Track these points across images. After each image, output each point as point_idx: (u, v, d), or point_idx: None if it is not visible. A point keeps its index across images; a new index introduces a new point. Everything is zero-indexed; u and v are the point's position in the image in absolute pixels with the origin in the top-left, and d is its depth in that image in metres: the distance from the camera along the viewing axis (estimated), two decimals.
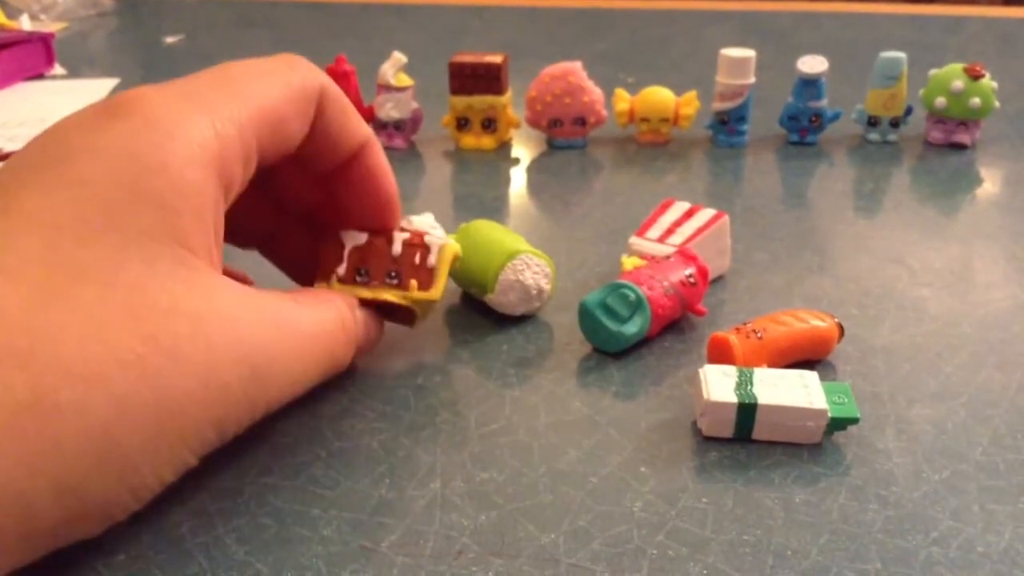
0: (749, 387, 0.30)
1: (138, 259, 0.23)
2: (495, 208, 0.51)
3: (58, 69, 0.80)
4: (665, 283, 0.36)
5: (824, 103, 0.60)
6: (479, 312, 0.39)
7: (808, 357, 0.35)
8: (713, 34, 0.96)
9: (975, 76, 0.58)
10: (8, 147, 0.59)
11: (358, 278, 0.32)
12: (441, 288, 0.33)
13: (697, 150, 0.60)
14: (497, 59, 0.58)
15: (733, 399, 0.30)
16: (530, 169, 0.57)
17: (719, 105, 0.60)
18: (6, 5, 0.98)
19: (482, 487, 0.28)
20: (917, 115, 0.61)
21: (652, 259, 0.38)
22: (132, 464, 0.23)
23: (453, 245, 0.33)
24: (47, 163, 0.24)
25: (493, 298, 0.37)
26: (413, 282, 0.32)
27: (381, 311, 0.34)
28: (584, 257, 0.44)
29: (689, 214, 0.42)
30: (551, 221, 0.49)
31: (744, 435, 0.30)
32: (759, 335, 0.33)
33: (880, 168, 0.57)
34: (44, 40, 0.79)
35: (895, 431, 0.31)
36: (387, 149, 0.60)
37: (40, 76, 0.79)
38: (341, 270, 0.32)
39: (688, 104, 0.60)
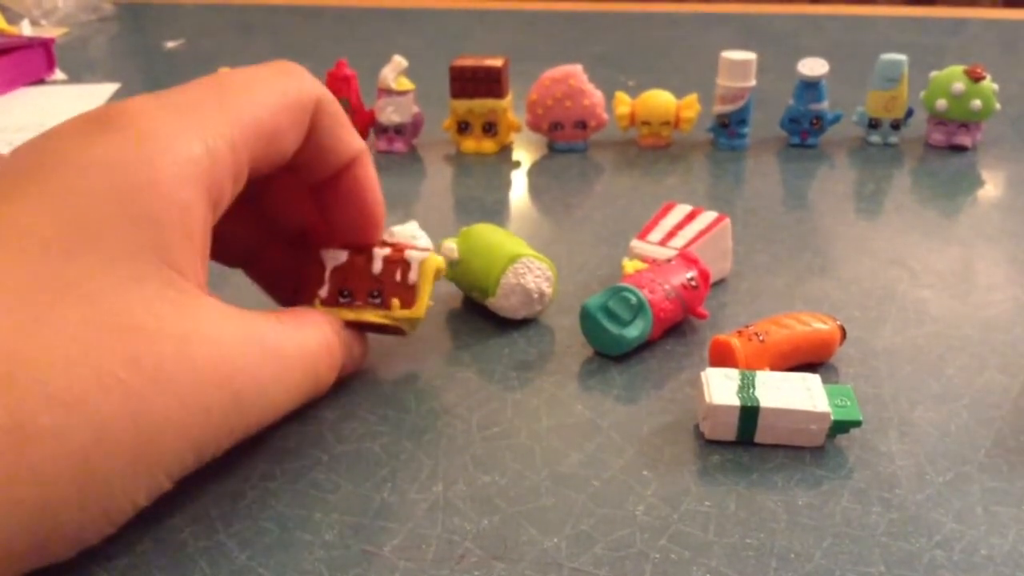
0: (751, 390, 0.30)
1: (123, 278, 0.23)
2: (496, 211, 0.51)
3: (59, 74, 0.80)
4: (667, 286, 0.36)
5: (825, 105, 0.60)
6: (481, 316, 0.39)
7: (810, 360, 0.35)
8: (714, 37, 0.96)
9: (976, 78, 0.58)
10: (7, 152, 0.59)
11: (341, 299, 0.32)
12: (424, 305, 0.32)
13: (698, 153, 0.60)
14: (498, 63, 0.58)
15: (735, 402, 0.30)
16: (531, 172, 0.57)
17: (720, 108, 0.60)
18: (7, 10, 0.98)
19: (484, 491, 0.28)
20: (918, 117, 0.61)
21: (653, 262, 0.38)
22: (109, 489, 0.22)
23: (434, 258, 0.33)
24: (34, 175, 0.24)
25: (495, 302, 0.37)
26: (395, 301, 0.32)
27: (368, 327, 0.33)
28: (585, 260, 0.44)
29: (690, 217, 0.42)
30: (552, 224, 0.49)
31: (746, 438, 0.30)
32: (761, 338, 0.33)
33: (881, 170, 0.57)
34: (45, 45, 0.79)
35: (898, 433, 0.31)
36: (388, 153, 0.60)
37: (41, 81, 0.79)
38: (323, 292, 0.32)
39: (689, 107, 0.60)
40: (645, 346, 0.36)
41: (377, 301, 0.32)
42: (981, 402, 0.33)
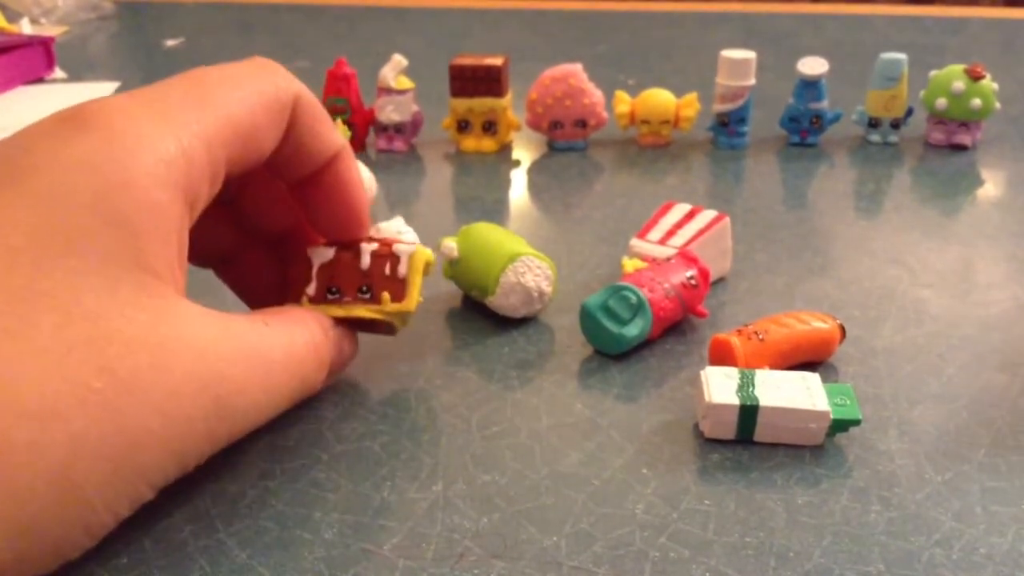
0: (751, 389, 0.30)
1: (98, 286, 0.22)
2: (496, 210, 0.51)
3: (58, 73, 0.80)
4: (666, 285, 0.36)
5: (825, 104, 0.60)
6: (480, 314, 0.39)
7: (810, 359, 0.35)
8: (713, 36, 0.96)
9: (976, 77, 0.58)
10: None
11: (329, 296, 0.31)
12: (415, 298, 0.32)
13: (698, 152, 0.60)
14: (497, 61, 0.58)
15: (735, 401, 0.30)
16: (531, 171, 0.57)
17: (720, 107, 0.60)
18: (6, 8, 0.98)
19: (484, 489, 0.28)
20: (918, 116, 0.61)
21: (653, 261, 0.38)
22: (88, 503, 0.22)
23: (423, 251, 0.32)
24: (5, 178, 0.23)
25: (494, 300, 0.37)
26: (385, 295, 0.31)
27: (358, 324, 0.33)
28: (585, 259, 0.44)
29: (690, 216, 0.42)
30: (552, 223, 0.49)
31: (746, 437, 0.30)
32: (761, 337, 0.33)
33: (881, 169, 0.57)
34: (44, 44, 0.79)
35: (897, 432, 0.31)
36: (387, 152, 0.60)
37: (40, 80, 0.79)
38: (311, 290, 0.31)
39: (689, 106, 0.60)
40: (645, 345, 0.36)
41: (367, 296, 0.32)
42: (980, 401, 0.33)
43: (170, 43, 0.94)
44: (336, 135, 0.30)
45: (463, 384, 0.34)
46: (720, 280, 0.42)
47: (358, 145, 0.60)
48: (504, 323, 0.38)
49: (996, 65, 0.66)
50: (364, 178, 0.40)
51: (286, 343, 0.28)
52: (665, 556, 0.26)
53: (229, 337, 0.25)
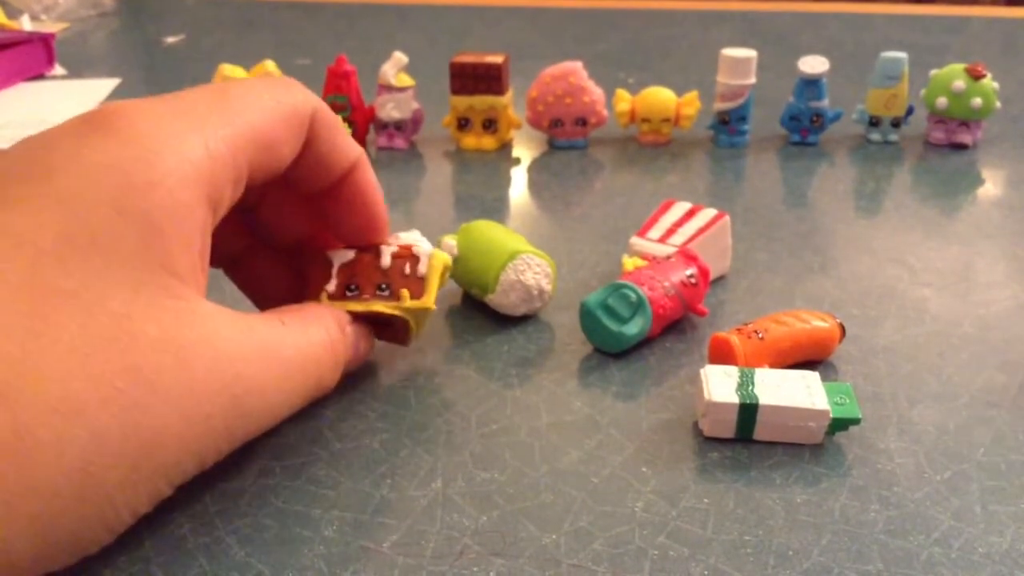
0: (750, 387, 0.30)
1: (122, 286, 0.23)
2: (496, 208, 0.51)
3: (59, 69, 0.80)
4: (666, 283, 0.36)
5: (825, 103, 0.60)
6: (480, 312, 0.39)
7: (810, 357, 0.35)
8: (714, 34, 0.96)
9: (976, 76, 0.58)
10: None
11: (348, 293, 0.32)
12: (433, 296, 0.32)
13: (698, 150, 0.60)
14: (498, 59, 0.58)
15: (735, 399, 0.30)
16: (531, 169, 0.57)
17: (720, 105, 0.60)
18: (7, 5, 0.98)
19: (483, 487, 0.28)
20: (918, 115, 0.61)
21: (653, 259, 0.38)
22: (109, 499, 0.22)
23: (443, 254, 0.33)
24: (30, 178, 0.23)
25: (494, 298, 0.37)
26: (405, 291, 0.32)
27: (375, 329, 0.33)
28: (585, 257, 0.44)
29: (690, 214, 0.42)
30: (552, 221, 0.49)
31: (745, 435, 0.30)
32: (760, 335, 0.33)
33: (881, 168, 0.57)
34: (45, 40, 0.79)
35: (897, 431, 0.31)
36: (388, 149, 0.60)
37: (41, 76, 0.79)
38: (331, 287, 0.32)
39: (689, 104, 0.60)
40: (644, 343, 0.36)
41: (386, 293, 0.32)
42: (980, 400, 0.33)
43: (170, 40, 0.94)
44: (353, 145, 0.31)
45: (463, 382, 0.34)
46: (720, 278, 0.42)
47: (358, 142, 0.60)
48: (504, 321, 0.38)
49: (997, 64, 0.66)
50: None
51: (303, 342, 0.28)
52: (664, 554, 0.26)
53: (248, 337, 0.26)
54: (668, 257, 0.38)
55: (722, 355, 0.33)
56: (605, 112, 0.60)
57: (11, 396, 0.20)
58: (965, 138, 0.60)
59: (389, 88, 0.59)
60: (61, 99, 0.72)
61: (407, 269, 0.32)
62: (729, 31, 0.98)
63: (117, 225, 0.23)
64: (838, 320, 0.35)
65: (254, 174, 0.27)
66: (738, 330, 0.34)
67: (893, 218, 0.49)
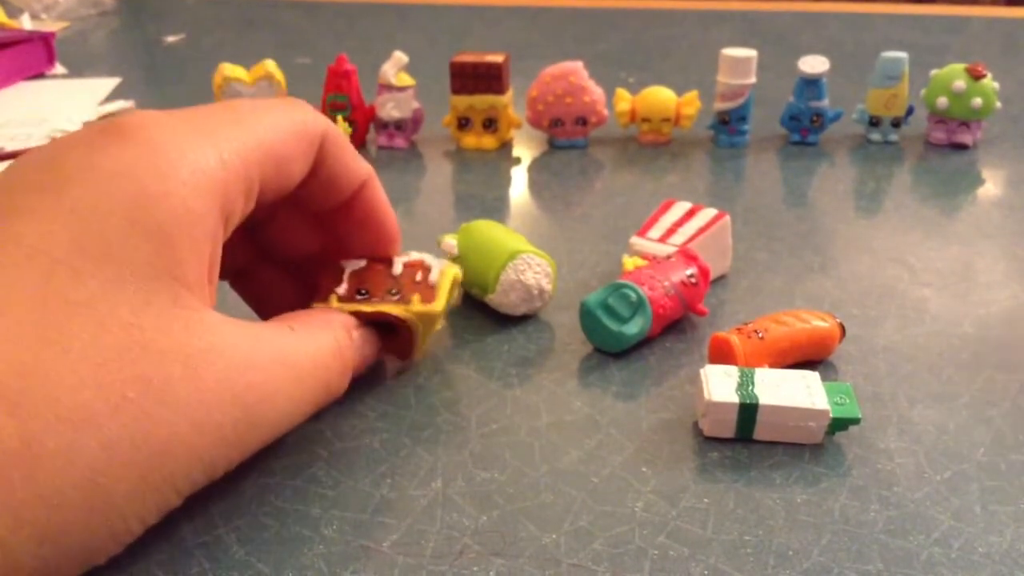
0: (750, 387, 0.30)
1: (133, 296, 0.23)
2: (496, 208, 0.51)
3: (59, 68, 0.80)
4: (666, 283, 0.36)
5: (825, 103, 0.60)
6: (480, 312, 0.39)
7: (809, 357, 0.35)
8: (714, 34, 0.96)
9: (977, 76, 0.58)
10: (9, 147, 0.59)
11: (358, 296, 0.32)
12: (443, 302, 0.32)
13: (698, 150, 0.60)
14: (498, 59, 0.58)
15: (734, 399, 0.30)
16: (531, 169, 0.57)
17: (720, 105, 0.60)
18: (7, 4, 0.98)
19: (483, 487, 0.28)
20: (918, 115, 0.61)
21: (653, 259, 0.38)
22: (118, 510, 0.22)
23: (454, 267, 0.33)
24: (43, 187, 0.23)
25: (494, 298, 0.37)
26: (415, 296, 0.32)
27: (382, 339, 0.33)
28: (585, 257, 0.44)
29: (690, 214, 0.42)
30: (552, 221, 0.49)
31: (745, 435, 0.30)
32: (760, 335, 0.33)
33: (881, 168, 0.57)
34: (45, 39, 0.79)
35: (897, 431, 0.31)
36: (388, 149, 0.60)
37: (41, 75, 0.79)
38: (341, 289, 0.32)
39: (689, 104, 0.60)
40: (644, 343, 0.36)
41: (395, 298, 0.32)
42: (980, 400, 0.33)
43: (170, 39, 0.94)
44: (363, 164, 0.31)
45: (463, 382, 0.34)
46: (720, 278, 0.42)
47: (358, 141, 0.60)
48: (504, 321, 0.38)
49: (997, 64, 0.66)
50: None
51: (312, 349, 0.28)
52: (664, 554, 0.26)
53: (258, 346, 0.26)
54: (668, 257, 0.38)
55: (722, 355, 0.33)
56: (605, 112, 0.60)
57: (21, 405, 0.20)
58: (965, 138, 0.60)
59: (389, 87, 0.59)
60: (61, 98, 0.72)
61: (418, 277, 0.33)
62: (729, 31, 0.98)
63: (130, 235, 0.23)
64: (838, 320, 0.35)
65: (265, 189, 0.27)
66: (738, 330, 0.34)
67: (893, 218, 0.49)
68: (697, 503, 0.28)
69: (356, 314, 0.31)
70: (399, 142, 0.60)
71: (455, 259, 0.38)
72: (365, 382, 0.34)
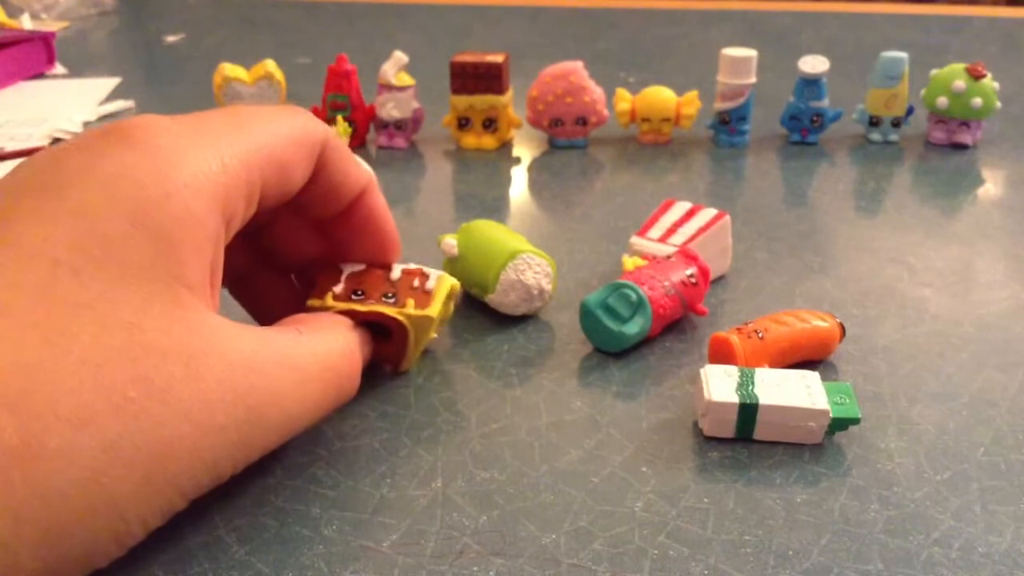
0: (750, 387, 0.30)
1: (135, 297, 0.23)
2: (496, 208, 0.51)
3: (59, 68, 0.80)
4: (666, 283, 0.36)
5: (825, 103, 0.60)
6: (480, 312, 0.39)
7: (809, 357, 0.35)
8: (714, 34, 0.96)
9: (977, 76, 0.58)
10: (9, 146, 0.59)
11: (354, 297, 0.32)
12: (438, 308, 0.32)
13: (698, 150, 0.60)
14: (498, 59, 0.58)
15: (734, 399, 0.30)
16: (531, 169, 0.57)
17: (720, 105, 0.60)
18: (7, 4, 0.98)
19: (483, 487, 0.28)
20: (918, 115, 0.61)
21: (653, 259, 0.38)
22: (120, 511, 0.22)
23: (451, 278, 0.33)
24: (46, 190, 0.23)
25: (494, 298, 0.37)
26: (410, 301, 0.32)
27: (375, 344, 0.33)
28: (585, 257, 0.44)
29: (690, 214, 0.42)
30: (552, 221, 0.49)
31: (745, 435, 0.30)
32: (760, 335, 0.33)
33: (881, 168, 0.57)
34: (45, 39, 0.79)
35: (896, 431, 0.31)
36: (388, 149, 0.60)
37: (41, 75, 0.79)
38: (338, 288, 0.32)
39: (689, 104, 0.60)
40: (644, 343, 0.36)
41: (391, 301, 0.32)
42: (980, 400, 0.33)
43: (170, 39, 0.94)
44: (363, 171, 0.31)
45: (463, 381, 0.34)
46: (720, 278, 0.42)
47: (358, 141, 0.60)
48: (504, 321, 0.38)
49: (997, 64, 0.66)
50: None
51: (320, 351, 0.28)
52: (664, 554, 0.26)
53: (262, 348, 0.26)
54: (668, 257, 0.38)
55: (722, 355, 0.33)
56: (605, 111, 0.60)
57: (22, 404, 0.20)
58: (965, 138, 0.60)
59: (389, 87, 0.59)
60: (61, 98, 0.72)
61: (415, 283, 0.33)
62: (729, 31, 0.98)
63: (131, 236, 0.23)
64: (838, 320, 0.35)
65: (266, 194, 0.28)
66: (738, 330, 0.34)
67: (893, 218, 0.49)
68: (697, 503, 0.28)
69: (351, 314, 0.31)
70: (399, 142, 0.60)
71: (455, 259, 0.38)
72: (365, 382, 0.34)
